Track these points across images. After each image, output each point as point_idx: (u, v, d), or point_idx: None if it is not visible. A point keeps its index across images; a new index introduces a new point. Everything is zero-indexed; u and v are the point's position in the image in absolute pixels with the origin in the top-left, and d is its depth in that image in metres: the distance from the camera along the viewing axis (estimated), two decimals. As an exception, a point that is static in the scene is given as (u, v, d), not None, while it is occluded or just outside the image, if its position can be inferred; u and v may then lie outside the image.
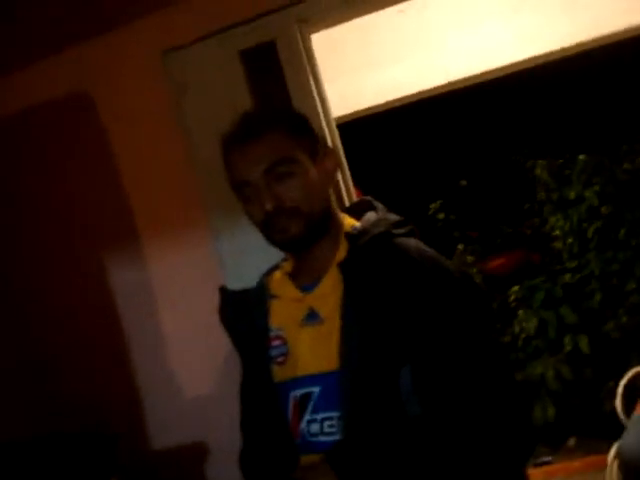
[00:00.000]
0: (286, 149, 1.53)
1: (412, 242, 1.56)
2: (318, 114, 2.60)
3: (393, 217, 1.62)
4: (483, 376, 1.43)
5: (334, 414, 1.50)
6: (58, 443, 2.54)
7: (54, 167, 2.95)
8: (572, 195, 6.55)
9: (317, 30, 2.70)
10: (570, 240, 6.59)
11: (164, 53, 2.71)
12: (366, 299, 1.49)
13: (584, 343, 6.09)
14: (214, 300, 1.72)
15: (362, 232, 1.57)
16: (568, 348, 6.14)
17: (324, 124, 2.62)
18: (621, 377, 4.75)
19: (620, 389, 4.64)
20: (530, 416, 1.57)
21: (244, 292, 1.69)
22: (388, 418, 1.45)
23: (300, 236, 1.54)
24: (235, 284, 1.73)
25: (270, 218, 1.52)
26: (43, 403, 2.90)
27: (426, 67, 3.79)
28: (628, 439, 4.07)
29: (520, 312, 6.52)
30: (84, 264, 2.94)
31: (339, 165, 2.35)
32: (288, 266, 1.66)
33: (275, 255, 1.68)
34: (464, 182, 7.84)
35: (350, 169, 2.72)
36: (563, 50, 3.52)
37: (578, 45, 3.48)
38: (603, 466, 4.35)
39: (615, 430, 4.36)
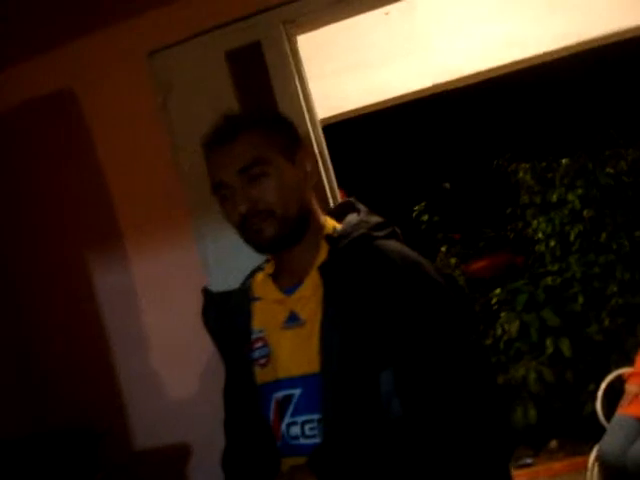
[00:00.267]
0: (261, 150, 1.53)
1: (393, 244, 1.56)
2: (303, 115, 2.60)
3: (374, 219, 1.61)
4: (463, 378, 1.43)
5: (315, 416, 1.50)
6: (43, 441, 2.52)
7: (37, 168, 2.92)
8: (555, 198, 6.58)
9: (303, 31, 2.70)
10: (552, 243, 6.61)
11: (150, 53, 2.70)
12: (346, 302, 1.49)
13: (566, 346, 6.12)
14: (198, 302, 1.73)
15: (342, 235, 1.56)
16: (550, 351, 6.16)
17: (309, 125, 2.62)
18: (602, 380, 4.79)
19: (601, 392, 4.68)
20: (509, 418, 1.58)
21: (227, 294, 1.69)
22: (368, 420, 1.45)
23: (275, 238, 1.53)
24: (218, 286, 1.73)
25: (245, 220, 1.53)
26: (28, 402, 2.88)
27: (412, 70, 3.79)
28: (608, 441, 4.12)
29: (502, 314, 6.55)
30: (68, 266, 2.92)
31: (318, 166, 2.35)
32: (270, 267, 1.66)
33: (258, 257, 1.67)
34: (448, 185, 7.86)
35: (335, 171, 2.72)
36: (549, 53, 3.53)
37: (563, 49, 3.49)
38: (584, 468, 4.39)
39: (596, 432, 4.39)
